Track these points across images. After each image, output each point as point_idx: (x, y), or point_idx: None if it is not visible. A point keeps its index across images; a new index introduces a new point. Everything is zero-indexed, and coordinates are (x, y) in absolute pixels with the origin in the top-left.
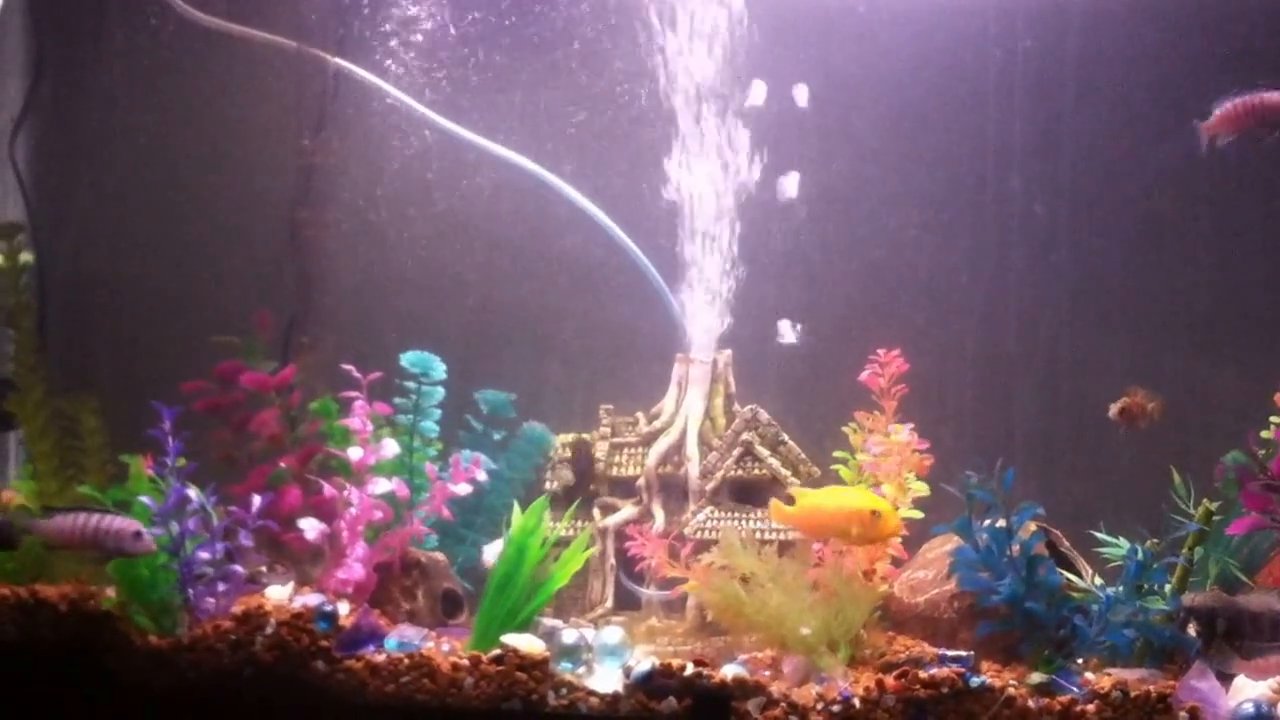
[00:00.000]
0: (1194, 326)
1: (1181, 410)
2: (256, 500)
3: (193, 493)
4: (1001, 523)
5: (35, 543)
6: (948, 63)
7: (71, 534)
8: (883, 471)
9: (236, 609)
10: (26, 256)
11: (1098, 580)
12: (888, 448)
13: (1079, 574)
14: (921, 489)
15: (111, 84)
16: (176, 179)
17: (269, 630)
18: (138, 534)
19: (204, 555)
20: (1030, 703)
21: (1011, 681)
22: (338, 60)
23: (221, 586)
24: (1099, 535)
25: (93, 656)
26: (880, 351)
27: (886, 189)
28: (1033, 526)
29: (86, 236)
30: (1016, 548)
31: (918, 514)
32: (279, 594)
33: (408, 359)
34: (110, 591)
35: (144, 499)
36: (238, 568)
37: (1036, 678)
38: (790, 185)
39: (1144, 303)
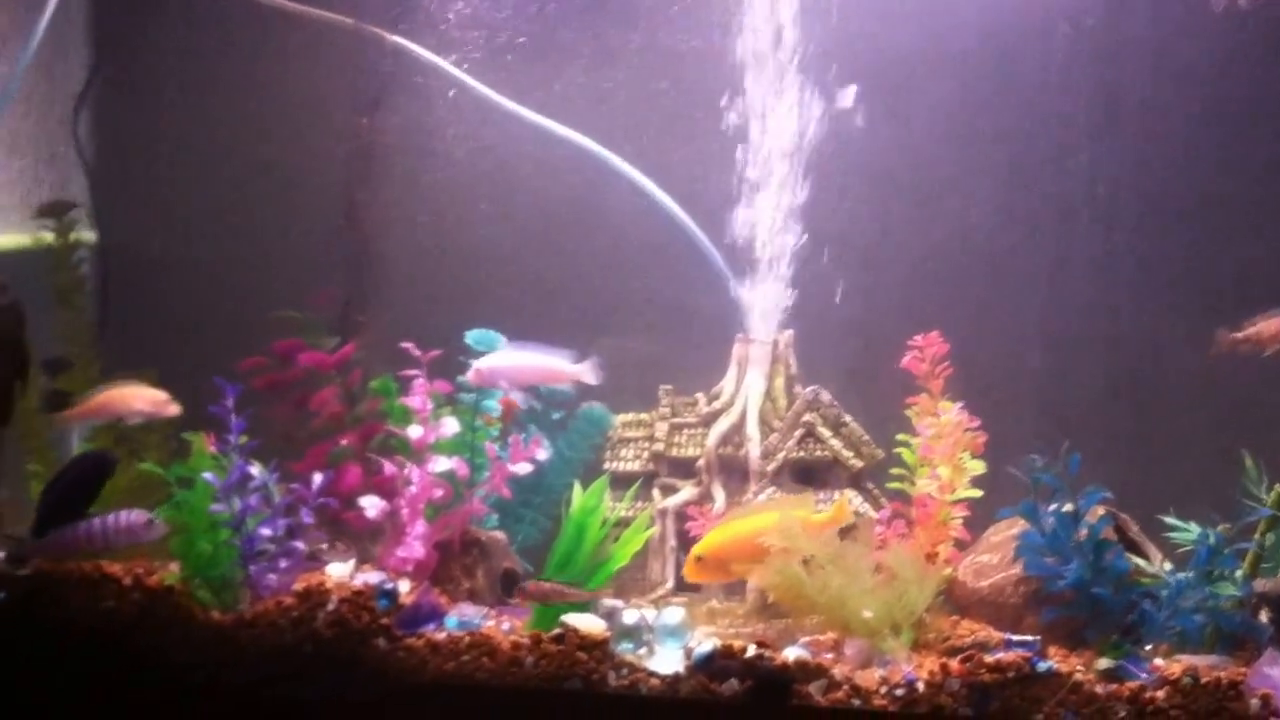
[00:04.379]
0: (1263, 306)
1: (1253, 392)
2: (318, 478)
3: (255, 469)
4: (1068, 507)
5: None
6: (1011, 40)
7: (78, 544)
8: (937, 453)
9: (298, 586)
10: (89, 235)
11: (1167, 565)
12: (939, 429)
13: (1147, 559)
14: (978, 468)
15: (171, 63)
16: (235, 157)
17: (330, 607)
18: (149, 522)
19: (266, 532)
20: (1098, 688)
21: (1079, 667)
22: (395, 38)
23: (283, 563)
24: (1168, 520)
25: (156, 631)
26: (918, 336)
27: (949, 168)
28: (1100, 511)
29: (147, 215)
30: (1083, 532)
31: (976, 493)
32: (340, 571)
33: (472, 337)
34: (174, 567)
35: (207, 475)
36: (299, 544)
37: (1104, 663)
38: (848, 97)
39: (1211, 283)
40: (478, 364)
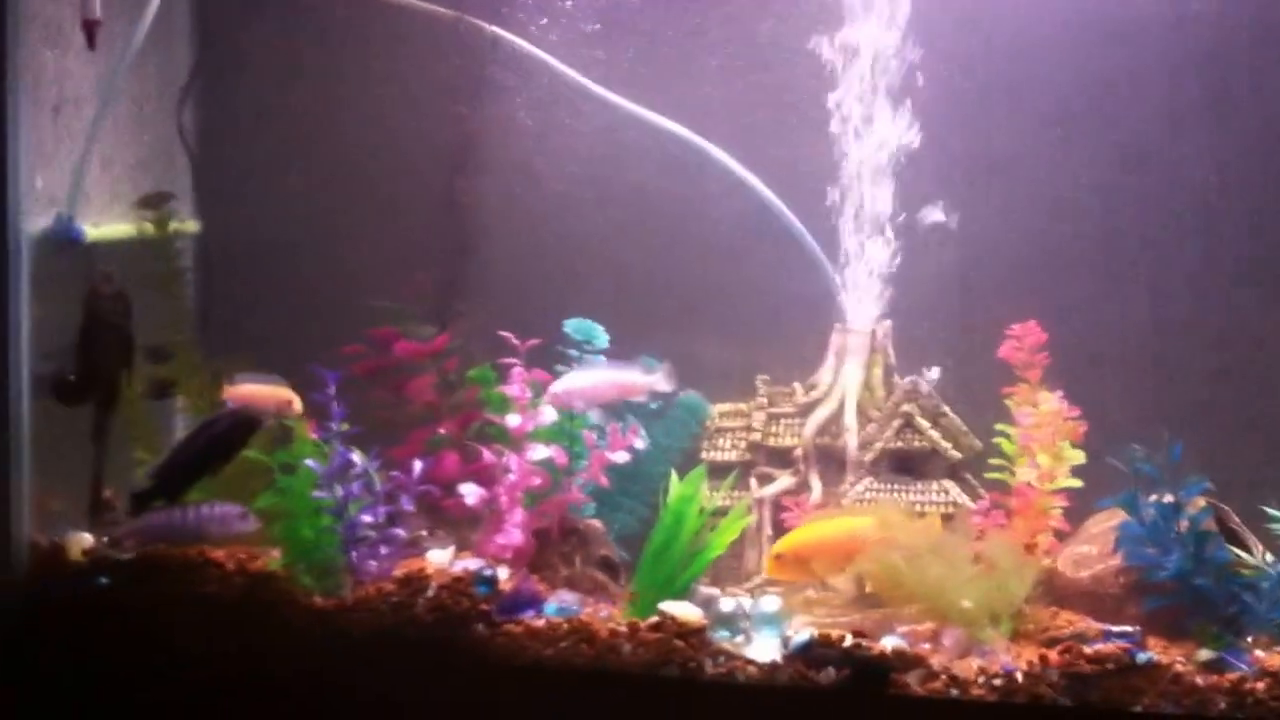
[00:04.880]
0: None
1: None
2: (417, 465)
3: (356, 456)
4: (1169, 497)
5: None
6: (1115, 25)
7: (170, 530)
8: (1037, 442)
9: (398, 572)
10: (192, 224)
11: (1269, 557)
12: (1038, 418)
13: (1249, 550)
14: (1077, 457)
15: (272, 53)
16: (335, 147)
17: (430, 593)
18: (243, 515)
19: (367, 518)
20: (1198, 679)
21: (1179, 658)
22: (494, 28)
23: (383, 549)
24: (1270, 511)
25: (258, 616)
26: (1015, 326)
27: (1052, 155)
28: (1201, 501)
29: (249, 205)
30: (1184, 523)
31: (1076, 483)
32: (440, 558)
33: (571, 325)
34: (275, 553)
35: (309, 462)
36: (399, 531)
37: (1204, 654)
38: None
39: None
40: (553, 388)
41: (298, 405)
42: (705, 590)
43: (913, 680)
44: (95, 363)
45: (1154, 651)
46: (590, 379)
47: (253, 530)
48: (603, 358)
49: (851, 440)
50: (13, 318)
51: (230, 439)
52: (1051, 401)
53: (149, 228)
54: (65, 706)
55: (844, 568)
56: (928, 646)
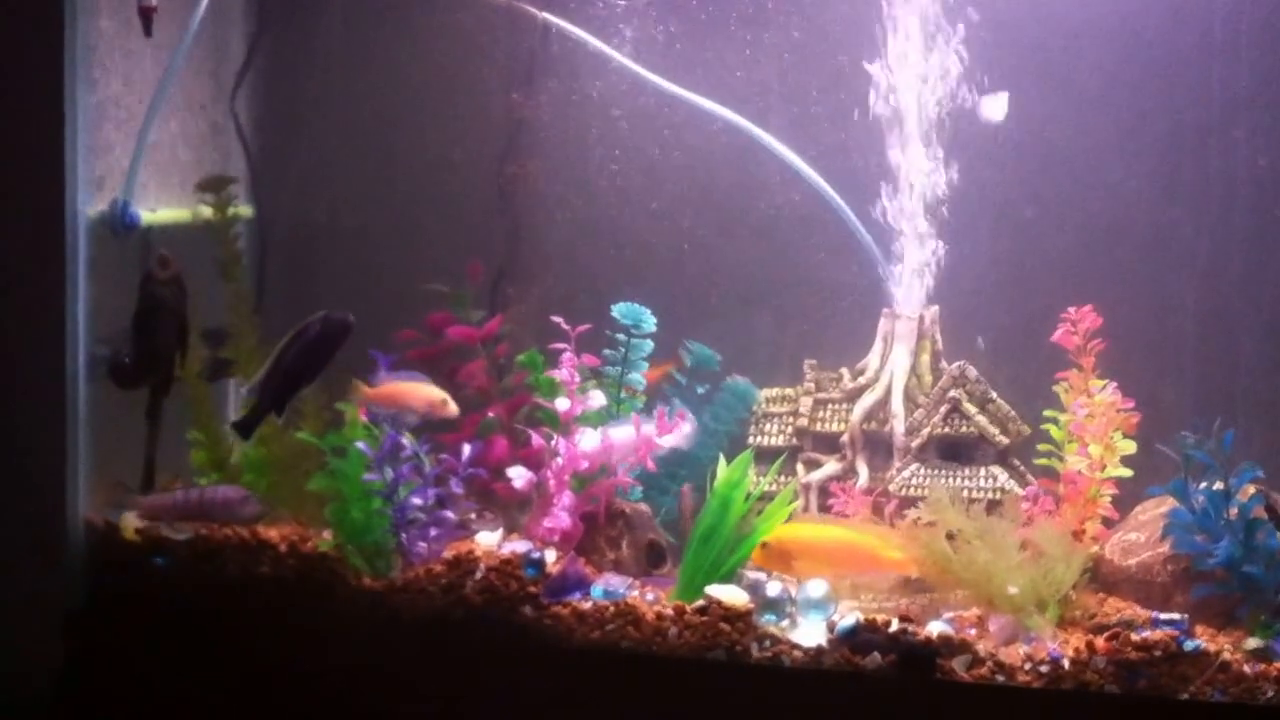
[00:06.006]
0: None
1: None
2: (467, 449)
3: (406, 440)
4: (1219, 485)
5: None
6: (1171, 7)
7: (176, 508)
8: (1089, 433)
9: (447, 554)
10: (246, 209)
11: None
12: (1092, 409)
13: None
14: (1129, 447)
15: (327, 39)
16: (389, 133)
17: (479, 575)
18: (245, 499)
19: (417, 501)
20: (1246, 668)
21: (1227, 646)
22: (546, 14)
23: (433, 531)
24: None
25: (310, 596)
26: (1071, 310)
27: (1106, 140)
28: (1252, 489)
29: (304, 189)
30: (1234, 510)
31: (1127, 472)
32: (488, 540)
33: (618, 310)
34: (327, 534)
35: (360, 445)
36: (449, 513)
37: (1253, 643)
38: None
39: None
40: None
41: (452, 407)
42: (751, 575)
43: (958, 666)
44: (151, 346)
45: (1202, 639)
46: (613, 438)
47: (258, 515)
48: (650, 342)
49: (899, 426)
50: (70, 301)
51: (324, 343)
52: (1106, 392)
53: (206, 211)
54: (119, 686)
55: (825, 573)
56: (974, 632)
